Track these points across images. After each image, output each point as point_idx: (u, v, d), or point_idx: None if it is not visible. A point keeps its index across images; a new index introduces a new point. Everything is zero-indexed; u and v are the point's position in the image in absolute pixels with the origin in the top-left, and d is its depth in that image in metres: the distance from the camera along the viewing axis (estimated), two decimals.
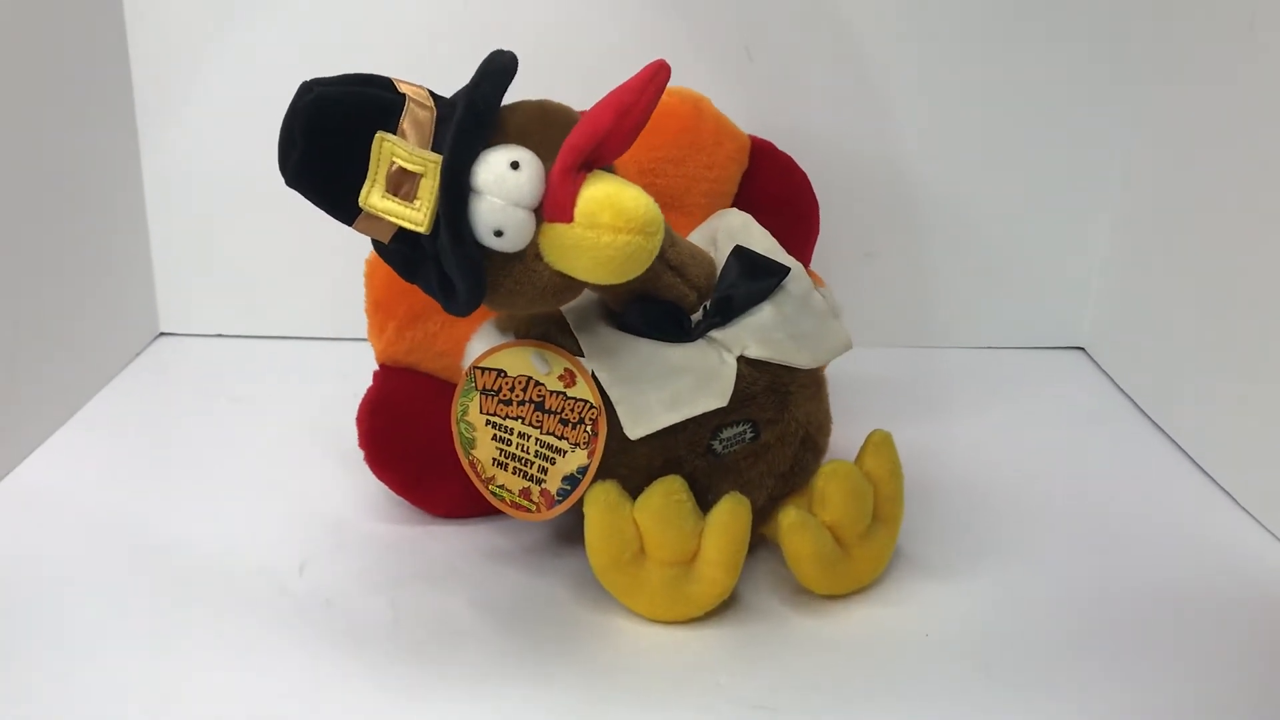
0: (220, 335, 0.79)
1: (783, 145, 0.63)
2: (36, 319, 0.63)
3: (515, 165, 0.43)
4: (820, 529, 0.50)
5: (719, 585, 0.49)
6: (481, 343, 0.52)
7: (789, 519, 0.50)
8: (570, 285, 0.46)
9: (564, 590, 0.52)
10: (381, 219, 0.44)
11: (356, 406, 0.56)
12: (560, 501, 0.50)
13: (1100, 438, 0.68)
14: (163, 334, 0.79)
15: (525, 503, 0.51)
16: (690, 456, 0.51)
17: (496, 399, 0.50)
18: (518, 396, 0.50)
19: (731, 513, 0.49)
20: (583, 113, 0.45)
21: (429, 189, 0.43)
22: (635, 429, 0.49)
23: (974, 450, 0.65)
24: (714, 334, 0.51)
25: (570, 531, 0.56)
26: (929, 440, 0.65)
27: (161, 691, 0.45)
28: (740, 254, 0.52)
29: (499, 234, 0.43)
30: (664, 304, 0.50)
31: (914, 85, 0.73)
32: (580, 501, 0.50)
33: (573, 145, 0.43)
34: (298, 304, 0.78)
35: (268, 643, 0.48)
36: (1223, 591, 0.53)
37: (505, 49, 0.45)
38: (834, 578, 0.51)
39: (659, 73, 0.44)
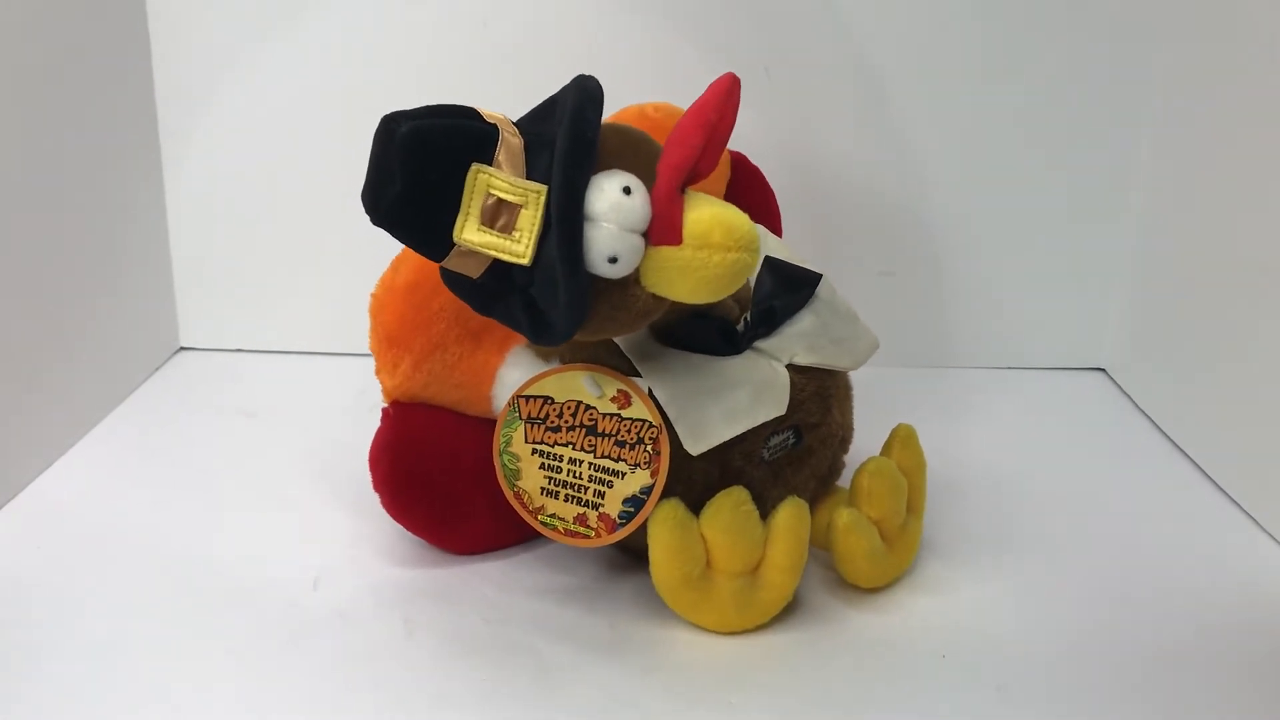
0: (240, 350, 0.79)
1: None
2: (57, 333, 0.64)
3: (627, 190, 0.43)
4: (871, 527, 0.52)
5: (785, 590, 0.50)
6: (519, 371, 0.52)
7: (844, 520, 0.51)
8: (659, 307, 0.46)
9: (576, 608, 0.52)
10: (475, 254, 0.43)
11: (377, 420, 0.55)
12: (623, 524, 0.49)
13: (1120, 459, 0.67)
14: (183, 348, 0.79)
15: (582, 529, 0.50)
16: (746, 466, 0.51)
17: (543, 427, 0.50)
18: (566, 422, 0.50)
19: (796, 517, 0.50)
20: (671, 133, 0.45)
21: (530, 219, 0.43)
22: (697, 445, 0.48)
23: (992, 470, 0.65)
24: (759, 344, 0.52)
25: (581, 551, 0.55)
26: (948, 460, 0.64)
27: (174, 703, 0.45)
28: (772, 265, 0.53)
29: (613, 260, 0.43)
30: (714, 319, 0.50)
31: (932, 104, 0.73)
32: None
33: (674, 166, 0.44)
34: (318, 320, 0.78)
35: (281, 656, 0.48)
36: (1245, 614, 0.52)
37: (588, 74, 0.45)
38: (881, 571, 0.53)
39: (734, 86, 0.45)
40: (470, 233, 0.42)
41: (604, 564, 0.55)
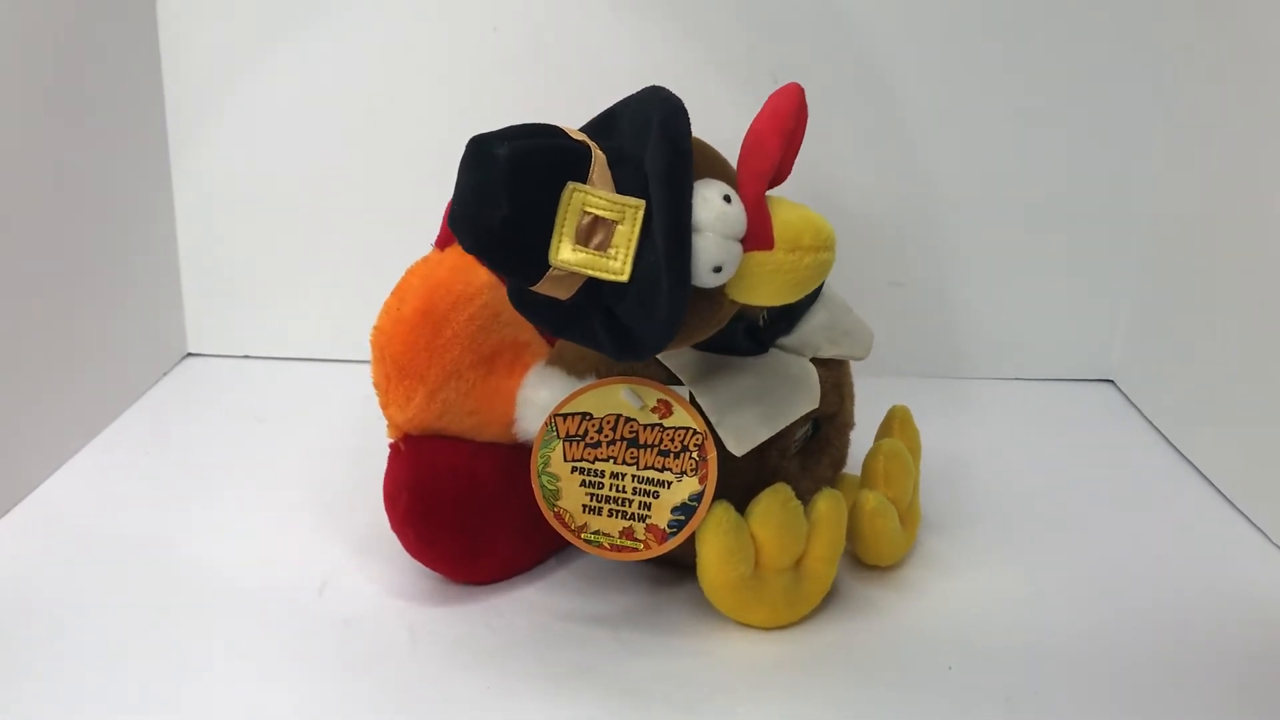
0: (247, 356, 0.79)
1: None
2: (65, 337, 0.64)
3: (728, 199, 0.43)
4: (892, 508, 0.54)
5: (827, 580, 0.51)
6: (549, 390, 0.51)
7: (871, 503, 0.53)
8: (731, 313, 0.46)
9: (581, 617, 0.52)
10: (569, 275, 0.42)
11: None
12: (674, 533, 0.49)
13: (1128, 471, 0.67)
14: (190, 354, 0.79)
15: (629, 543, 0.50)
16: (781, 462, 0.51)
17: (583, 444, 0.49)
18: (606, 437, 0.49)
19: (836, 508, 0.51)
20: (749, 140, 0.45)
21: (626, 235, 0.42)
22: (741, 447, 0.49)
23: (1000, 481, 0.64)
24: (782, 341, 0.52)
25: (586, 556, 0.55)
26: (955, 471, 0.64)
27: (179, 709, 0.45)
28: None
29: (717, 270, 0.43)
30: (739, 320, 0.50)
31: (941, 114, 0.73)
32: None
33: (760, 173, 0.44)
34: (325, 326, 0.78)
35: (285, 662, 0.48)
36: (1252, 627, 0.52)
37: (658, 85, 0.45)
38: (898, 549, 0.55)
39: (803, 95, 0.45)
40: (566, 253, 0.42)
41: (609, 575, 0.55)
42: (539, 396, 0.51)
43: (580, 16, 0.71)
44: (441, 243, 0.52)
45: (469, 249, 0.42)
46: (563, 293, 0.43)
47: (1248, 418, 0.62)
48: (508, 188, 0.40)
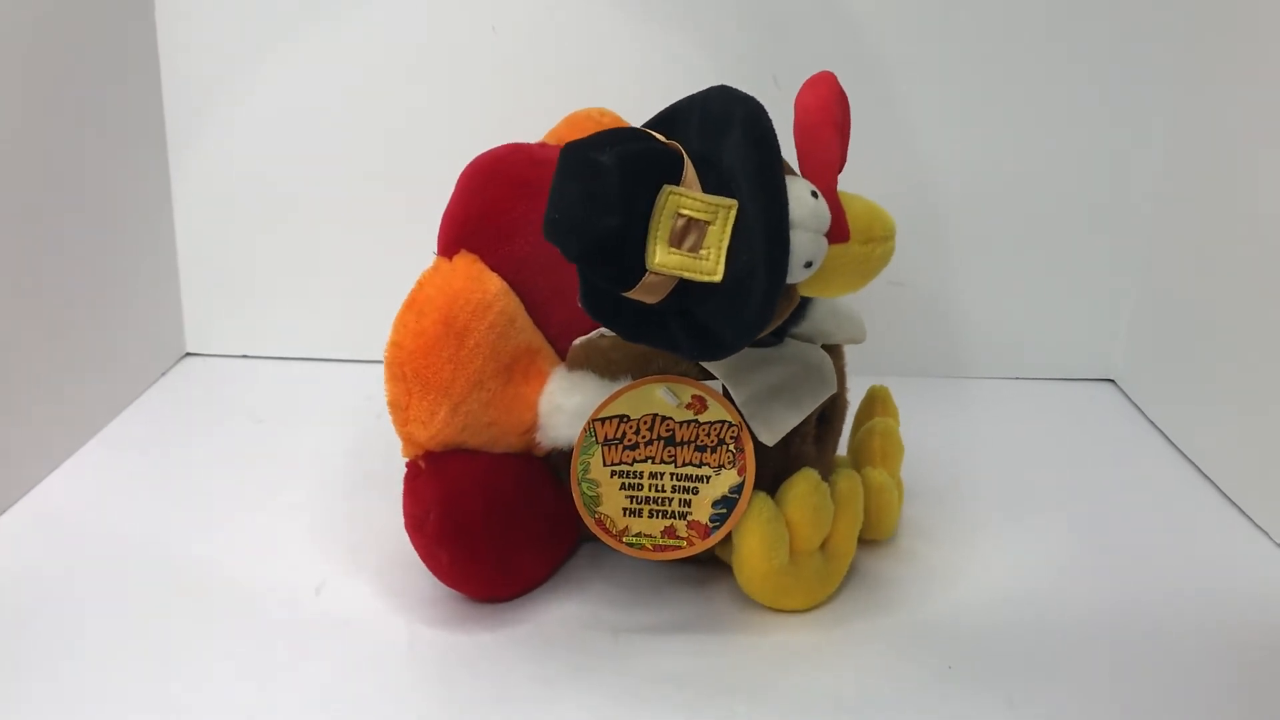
0: (246, 356, 0.79)
1: None
2: (63, 337, 0.64)
3: (815, 194, 0.43)
4: (894, 484, 0.56)
5: (849, 557, 0.53)
6: (580, 395, 0.50)
7: (878, 480, 0.54)
8: (794, 307, 0.47)
9: (580, 618, 0.51)
10: (662, 279, 0.42)
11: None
12: (717, 526, 0.49)
13: (1129, 470, 0.67)
14: (188, 354, 0.79)
15: (671, 541, 0.50)
16: (804, 447, 0.52)
17: (621, 446, 0.49)
18: (644, 438, 0.49)
19: (855, 487, 0.52)
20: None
21: (718, 236, 0.42)
22: (772, 437, 0.49)
23: (1000, 480, 0.64)
24: (794, 331, 0.53)
25: (584, 557, 0.55)
26: (956, 471, 0.64)
27: (175, 710, 0.45)
28: None
29: (808, 265, 0.43)
30: None
31: (942, 113, 0.73)
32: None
33: (827, 165, 0.44)
34: (323, 326, 0.78)
35: (283, 663, 0.48)
36: (1254, 625, 0.52)
37: (725, 85, 0.44)
38: (894, 523, 0.56)
39: (837, 81, 0.45)
40: (662, 256, 0.41)
41: (609, 574, 0.55)
42: (570, 402, 0.50)
43: (580, 17, 0.71)
44: (446, 250, 0.51)
45: (573, 258, 0.41)
46: (653, 297, 0.42)
47: (1249, 417, 0.62)
48: (620, 194, 0.40)
